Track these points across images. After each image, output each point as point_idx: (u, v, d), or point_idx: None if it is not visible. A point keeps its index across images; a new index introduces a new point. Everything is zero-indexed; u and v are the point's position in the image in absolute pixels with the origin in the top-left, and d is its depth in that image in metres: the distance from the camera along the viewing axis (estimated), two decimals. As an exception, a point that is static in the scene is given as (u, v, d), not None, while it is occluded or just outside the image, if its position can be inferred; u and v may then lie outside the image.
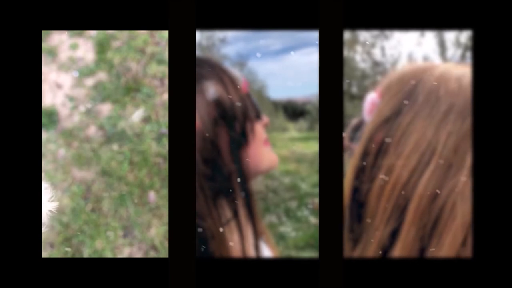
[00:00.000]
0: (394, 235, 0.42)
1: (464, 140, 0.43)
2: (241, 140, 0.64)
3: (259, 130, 0.69)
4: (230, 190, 0.63)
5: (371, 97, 0.52)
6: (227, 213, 0.65)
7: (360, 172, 0.46)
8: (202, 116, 0.61)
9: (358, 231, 0.46)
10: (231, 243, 0.64)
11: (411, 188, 0.41)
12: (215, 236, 0.62)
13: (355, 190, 0.46)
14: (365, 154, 0.46)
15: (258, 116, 0.69)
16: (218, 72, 0.65)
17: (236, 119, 0.63)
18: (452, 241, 0.41)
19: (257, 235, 0.67)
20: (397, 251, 0.42)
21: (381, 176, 0.42)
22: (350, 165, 0.47)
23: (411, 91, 0.47)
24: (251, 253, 0.68)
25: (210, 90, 0.63)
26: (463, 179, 0.41)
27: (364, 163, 0.45)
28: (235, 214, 0.64)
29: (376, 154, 0.44)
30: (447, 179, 0.42)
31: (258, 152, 0.67)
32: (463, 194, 0.41)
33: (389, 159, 0.43)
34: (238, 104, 0.63)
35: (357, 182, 0.46)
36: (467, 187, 0.42)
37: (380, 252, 0.43)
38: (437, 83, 0.46)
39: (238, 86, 0.65)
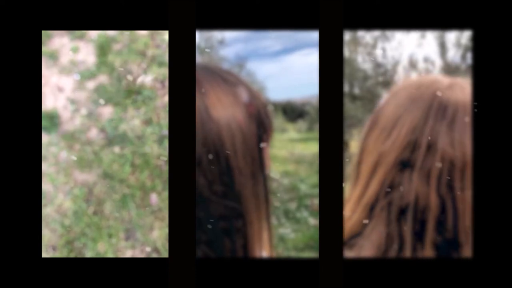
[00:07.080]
0: (371, 176, 0.70)
1: (406, 124, 0.68)
2: (263, 139, 0.68)
3: None
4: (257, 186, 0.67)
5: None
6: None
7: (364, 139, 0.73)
8: (242, 112, 0.66)
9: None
10: (259, 242, 0.66)
11: (378, 149, 0.69)
12: (252, 235, 0.66)
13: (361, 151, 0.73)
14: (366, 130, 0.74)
15: None
16: (243, 82, 0.70)
17: (263, 120, 0.68)
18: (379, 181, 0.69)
19: (270, 231, 0.69)
20: (360, 186, 0.70)
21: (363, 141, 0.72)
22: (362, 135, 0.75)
23: (394, 96, 0.71)
24: (267, 251, 0.69)
25: (244, 93, 0.67)
26: (394, 148, 0.68)
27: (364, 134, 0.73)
28: (259, 211, 0.67)
29: (368, 130, 0.71)
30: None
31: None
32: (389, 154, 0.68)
33: (371, 132, 0.71)
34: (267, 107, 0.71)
35: (363, 144, 0.73)
36: (390, 150, 0.67)
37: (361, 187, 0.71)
38: (409, 91, 0.69)
39: (259, 95, 0.71)
